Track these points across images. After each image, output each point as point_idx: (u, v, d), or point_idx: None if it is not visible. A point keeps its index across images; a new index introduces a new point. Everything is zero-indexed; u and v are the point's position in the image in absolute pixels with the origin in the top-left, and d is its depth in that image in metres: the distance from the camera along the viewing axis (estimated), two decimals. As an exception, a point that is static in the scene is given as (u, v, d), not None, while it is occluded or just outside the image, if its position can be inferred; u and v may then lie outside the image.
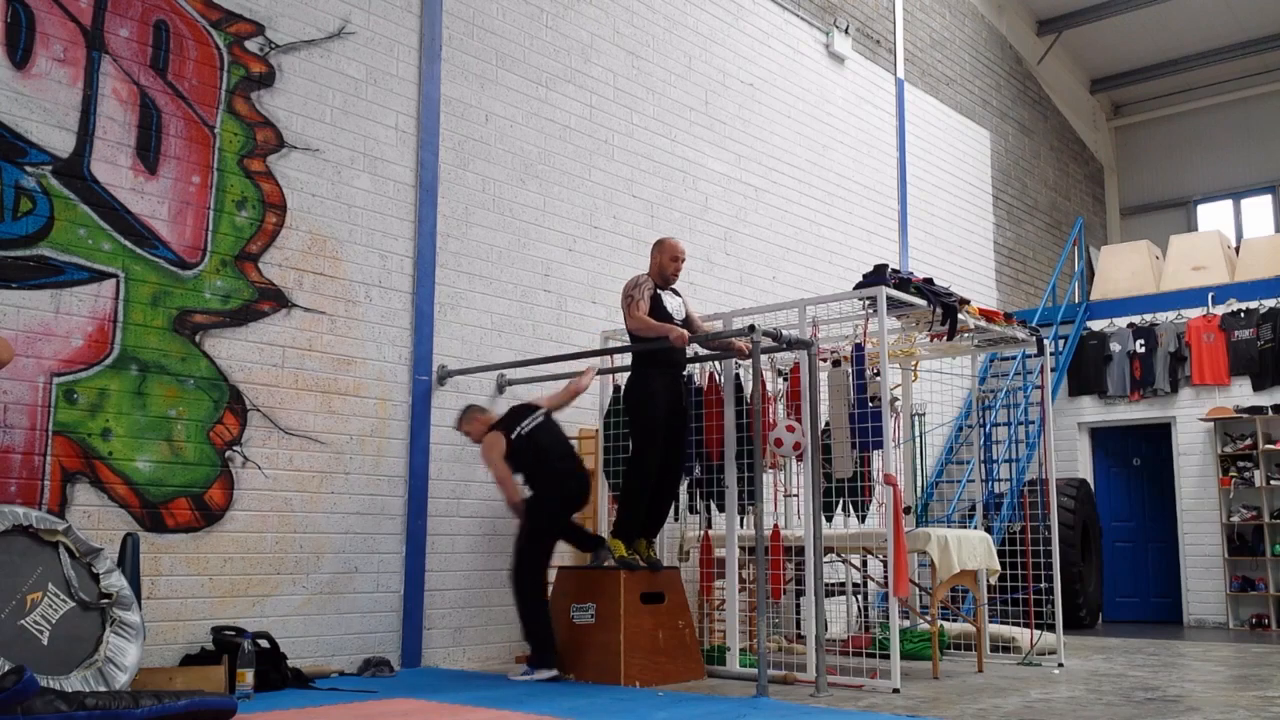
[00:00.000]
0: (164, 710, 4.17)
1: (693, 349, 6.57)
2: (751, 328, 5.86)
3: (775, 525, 6.68)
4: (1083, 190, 16.42)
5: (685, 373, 6.52)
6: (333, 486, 6.30)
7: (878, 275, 6.40)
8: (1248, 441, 11.13)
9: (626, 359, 7.14)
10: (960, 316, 6.70)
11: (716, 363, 6.61)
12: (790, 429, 6.21)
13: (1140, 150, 17.42)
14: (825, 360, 6.83)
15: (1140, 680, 6.26)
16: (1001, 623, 7.93)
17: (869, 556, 7.32)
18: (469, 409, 6.62)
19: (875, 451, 6.31)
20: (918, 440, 9.38)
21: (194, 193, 5.88)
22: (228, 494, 5.84)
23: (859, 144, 11.26)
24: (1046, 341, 8.01)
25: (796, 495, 7.07)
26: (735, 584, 6.43)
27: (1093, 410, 12.28)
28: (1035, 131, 15.08)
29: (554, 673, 5.87)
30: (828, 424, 6.57)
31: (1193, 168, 16.80)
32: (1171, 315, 11.88)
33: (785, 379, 6.95)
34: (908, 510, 6.96)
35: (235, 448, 5.89)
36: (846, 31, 11.18)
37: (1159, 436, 11.98)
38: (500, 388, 7.32)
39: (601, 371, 7.24)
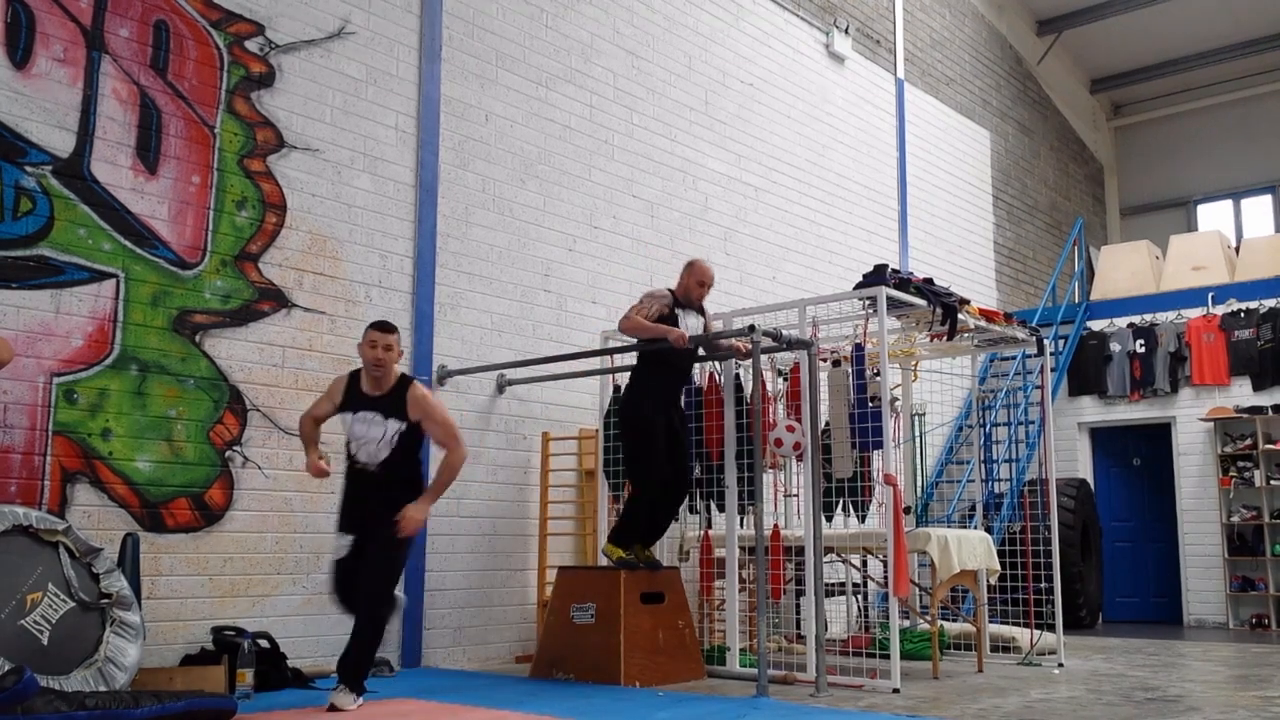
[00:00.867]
0: (164, 710, 4.18)
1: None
2: (751, 328, 5.86)
3: (775, 525, 6.68)
4: (1083, 190, 16.42)
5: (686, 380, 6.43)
6: (333, 486, 6.29)
7: (878, 275, 6.40)
8: (1248, 441, 11.13)
9: (628, 359, 7.15)
10: (960, 316, 6.70)
11: (716, 363, 6.61)
12: (790, 429, 6.21)
13: (1140, 150, 17.41)
14: (825, 360, 6.83)
15: (1140, 680, 6.26)
16: (1001, 623, 7.93)
17: (869, 556, 7.32)
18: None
19: (875, 451, 6.31)
20: (918, 440, 9.38)
21: (194, 193, 5.88)
22: (228, 494, 5.84)
23: (859, 144, 11.26)
24: (1046, 341, 8.01)
25: (796, 495, 7.07)
26: (735, 584, 6.43)
27: (1093, 410, 12.28)
28: (1035, 131, 15.08)
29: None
30: (828, 424, 6.57)
31: (1193, 168, 16.80)
32: (1171, 315, 11.88)
33: (785, 379, 6.95)
34: (908, 510, 6.96)
35: (235, 448, 5.89)
36: (846, 31, 11.17)
37: (1159, 436, 11.98)
38: (500, 388, 7.32)
39: (602, 371, 7.24)
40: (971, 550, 6.63)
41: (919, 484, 9.93)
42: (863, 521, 6.66)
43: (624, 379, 7.18)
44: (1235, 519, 11.18)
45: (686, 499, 6.57)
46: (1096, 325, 12.34)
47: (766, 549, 5.96)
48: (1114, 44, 15.75)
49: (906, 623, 7.64)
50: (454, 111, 7.26)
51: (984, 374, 11.44)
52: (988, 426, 10.55)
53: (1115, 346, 12.09)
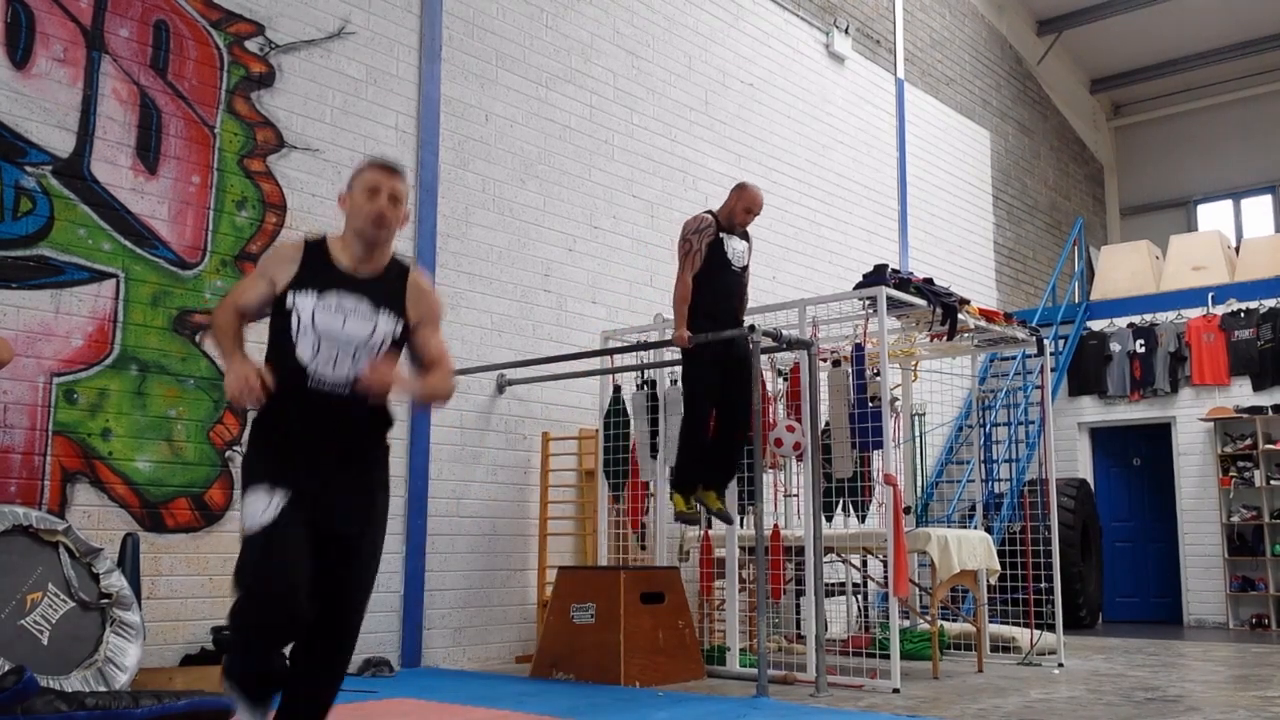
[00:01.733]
0: (164, 710, 4.17)
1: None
2: (752, 328, 5.85)
3: (775, 525, 6.68)
4: (1083, 190, 16.41)
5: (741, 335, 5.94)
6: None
7: (878, 275, 6.40)
8: (1248, 441, 11.13)
9: (628, 359, 7.15)
10: (960, 316, 6.70)
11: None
12: (790, 429, 6.21)
13: (1140, 150, 17.41)
14: (825, 360, 6.83)
15: (1140, 680, 6.26)
16: (1001, 623, 7.93)
17: (869, 556, 7.32)
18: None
19: (875, 451, 6.31)
20: (918, 440, 9.38)
21: (194, 193, 5.88)
22: (228, 494, 5.83)
23: (859, 144, 11.26)
24: (1046, 341, 8.01)
25: (796, 495, 7.07)
26: (735, 584, 6.43)
27: (1093, 410, 12.27)
28: (1035, 131, 15.07)
29: None
30: (828, 424, 6.56)
31: (1193, 168, 16.79)
32: (1171, 315, 11.88)
33: (785, 379, 6.95)
34: (908, 510, 6.96)
35: (235, 448, 5.89)
36: (846, 31, 11.17)
37: (1159, 436, 11.97)
38: (500, 388, 7.32)
39: (602, 371, 7.24)
40: (971, 550, 6.63)
41: (919, 484, 9.93)
42: (863, 521, 6.66)
43: (624, 379, 7.19)
44: (1235, 519, 11.17)
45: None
46: (1096, 325, 12.34)
47: (766, 549, 5.96)
48: (1114, 44, 15.74)
49: (906, 623, 7.63)
50: (454, 111, 7.26)
51: (984, 374, 11.44)
52: (988, 426, 10.54)
53: (1115, 346, 12.08)
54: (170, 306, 5.71)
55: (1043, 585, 7.44)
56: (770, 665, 5.78)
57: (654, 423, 6.83)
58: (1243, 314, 11.40)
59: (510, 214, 7.55)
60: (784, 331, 6.04)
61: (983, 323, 7.09)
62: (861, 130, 11.33)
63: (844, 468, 6.39)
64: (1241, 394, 11.33)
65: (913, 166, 12.05)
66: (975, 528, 7.81)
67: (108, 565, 4.87)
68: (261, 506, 3.03)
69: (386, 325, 3.24)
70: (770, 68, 10.21)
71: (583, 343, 7.70)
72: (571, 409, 7.72)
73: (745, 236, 6.16)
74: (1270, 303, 11.29)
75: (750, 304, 6.32)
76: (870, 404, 6.23)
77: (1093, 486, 11.96)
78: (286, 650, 3.17)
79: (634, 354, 7.01)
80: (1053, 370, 11.60)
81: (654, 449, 6.81)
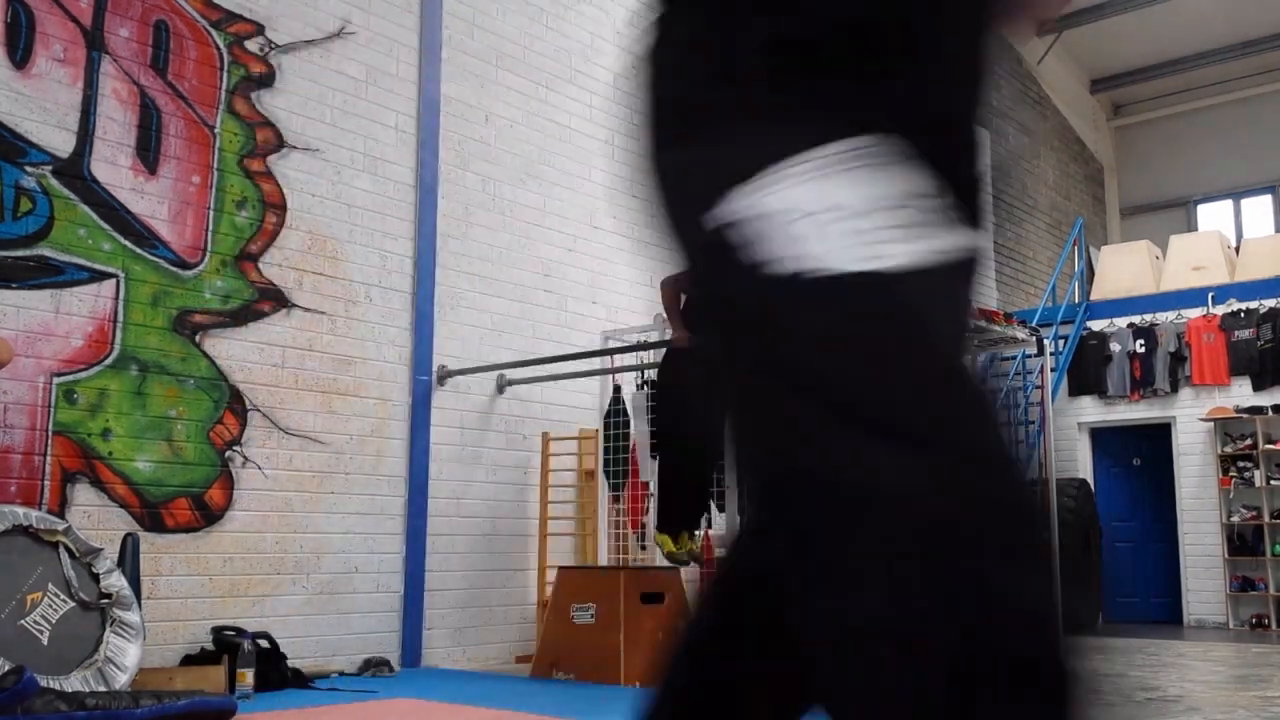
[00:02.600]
0: (164, 710, 4.17)
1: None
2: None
3: (775, 525, 6.67)
4: (1083, 190, 16.42)
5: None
6: (333, 486, 6.30)
7: (878, 275, 6.38)
8: (1248, 441, 11.13)
9: (628, 359, 7.15)
10: (960, 316, 6.69)
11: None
12: (790, 429, 6.20)
13: (1140, 150, 17.42)
14: (825, 360, 6.81)
15: (1140, 680, 6.26)
16: (1001, 623, 7.92)
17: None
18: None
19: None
20: (918, 440, 9.36)
21: (194, 193, 5.88)
22: (228, 494, 5.84)
23: (859, 144, 11.25)
24: (1046, 341, 8.01)
25: (796, 495, 7.05)
26: (735, 584, 6.41)
27: (1093, 410, 12.28)
28: (1035, 131, 15.08)
29: None
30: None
31: (1193, 168, 16.80)
32: (1171, 315, 11.88)
33: (785, 379, 6.94)
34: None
35: (235, 448, 5.89)
36: (846, 31, 11.17)
37: (1159, 436, 11.98)
38: (500, 388, 7.32)
39: (602, 372, 7.24)
40: (971, 550, 6.62)
41: (919, 484, 9.92)
42: (863, 521, 6.64)
43: (624, 379, 7.19)
44: (1235, 519, 11.18)
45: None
46: (1096, 325, 12.34)
47: (766, 549, 5.94)
48: (1114, 44, 15.75)
49: (906, 623, 7.63)
50: (454, 111, 7.26)
51: (984, 374, 11.44)
52: (988, 426, 10.52)
53: (1115, 346, 12.09)
54: (170, 306, 5.71)
55: (1043, 585, 7.43)
56: (770, 665, 5.76)
57: (654, 423, 6.83)
58: (1243, 314, 11.40)
59: (510, 214, 7.55)
60: (784, 331, 6.02)
61: (983, 323, 7.09)
62: (861, 130, 11.32)
63: (844, 468, 6.37)
64: (1241, 394, 11.33)
65: (913, 166, 12.04)
66: (975, 528, 7.79)
67: (108, 565, 4.87)
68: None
69: None
70: (770, 68, 10.20)
71: (583, 343, 7.71)
72: (571, 409, 7.72)
73: None
74: (1270, 303, 11.29)
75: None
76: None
77: (1093, 486, 11.96)
78: None
79: (634, 354, 7.01)
80: (1053, 370, 11.60)
81: (654, 449, 6.80)
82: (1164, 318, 11.91)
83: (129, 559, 5.17)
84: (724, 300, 1.03)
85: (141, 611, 4.98)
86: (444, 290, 7.04)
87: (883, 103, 1.08)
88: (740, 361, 1.02)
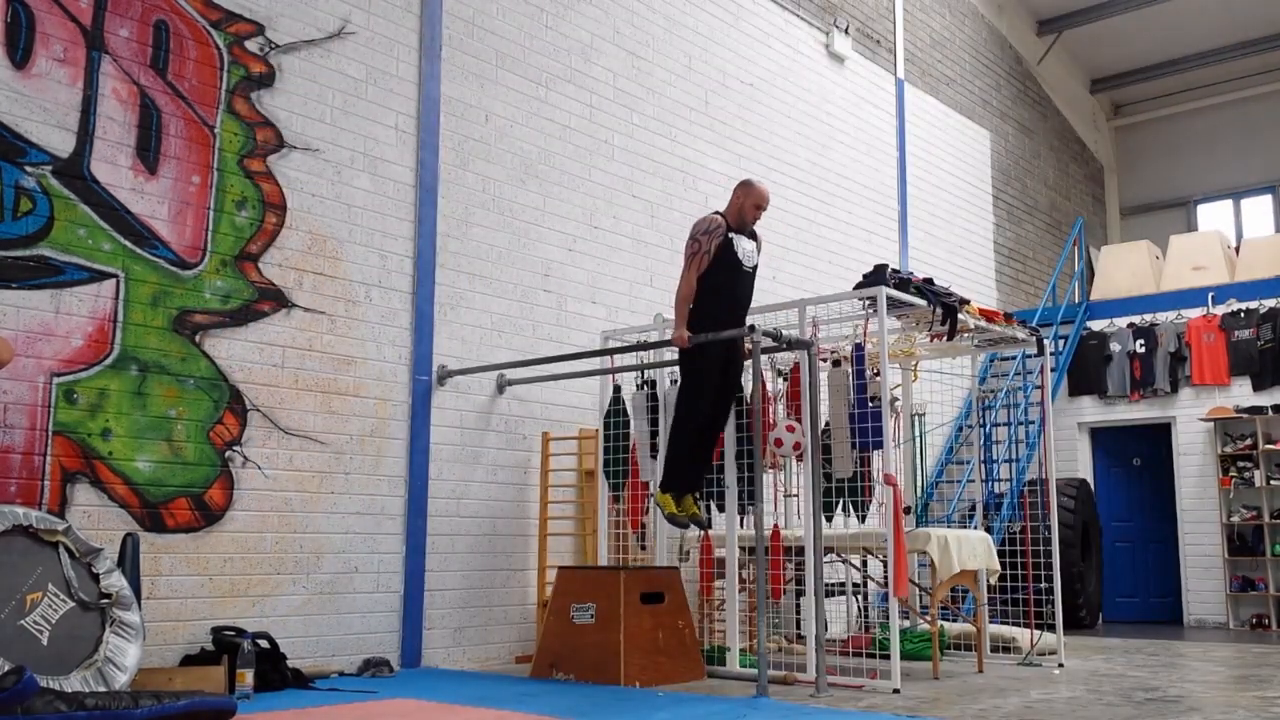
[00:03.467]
0: (164, 710, 4.17)
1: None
2: (751, 328, 5.85)
3: (775, 525, 6.68)
4: (1083, 190, 16.41)
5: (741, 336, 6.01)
6: (333, 486, 6.30)
7: (878, 275, 6.39)
8: (1248, 441, 11.13)
9: (628, 359, 7.15)
10: (960, 316, 6.70)
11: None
12: (790, 429, 6.21)
13: (1140, 150, 17.42)
14: (825, 360, 6.83)
15: (1140, 680, 6.26)
16: (1001, 623, 7.93)
17: (869, 556, 7.32)
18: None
19: (875, 451, 6.31)
20: (918, 440, 9.37)
21: (194, 193, 5.88)
22: (228, 494, 5.84)
23: (859, 144, 11.26)
24: (1046, 341, 8.01)
25: (796, 495, 7.07)
26: (735, 584, 6.43)
27: (1093, 410, 12.27)
28: (1035, 131, 15.08)
29: None
30: (828, 424, 6.56)
31: (1193, 168, 16.80)
32: (1171, 315, 11.88)
33: (785, 379, 6.95)
34: (908, 510, 6.95)
35: (235, 448, 5.89)
36: (846, 31, 11.17)
37: (1159, 436, 11.98)
38: (500, 388, 7.32)
39: (602, 371, 7.24)
40: (971, 550, 6.63)
41: (919, 484, 9.93)
42: (863, 521, 6.65)
43: (624, 379, 7.19)
44: (1235, 519, 11.18)
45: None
46: (1096, 325, 12.34)
47: (766, 549, 5.96)
48: (1114, 44, 15.75)
49: (906, 623, 7.63)
50: (454, 111, 7.26)
51: (984, 374, 11.44)
52: (988, 426, 10.55)
53: (1115, 346, 12.09)
54: (170, 306, 5.71)
55: (1043, 585, 7.44)
56: (770, 665, 5.78)
57: (654, 423, 6.83)
58: (1243, 314, 11.40)
59: (510, 214, 7.55)
60: (784, 331, 6.04)
61: (983, 323, 7.09)
62: (861, 130, 11.33)
63: (844, 468, 6.39)
64: (1241, 394, 11.33)
65: (913, 166, 12.06)
66: (975, 528, 7.80)
67: (108, 565, 4.87)
68: None
69: None
70: (770, 68, 10.21)
71: (583, 343, 7.71)
72: (571, 409, 7.72)
73: (754, 236, 6.19)
74: (1270, 303, 11.29)
75: (750, 303, 6.32)
76: (870, 404, 6.23)
77: (1093, 486, 11.96)
78: None
79: (634, 354, 7.01)
80: (1053, 370, 11.60)
81: (654, 449, 6.80)
82: (1164, 318, 11.91)
83: (129, 559, 5.17)
84: None
85: (141, 611, 4.98)
86: (444, 290, 7.04)
87: None
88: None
